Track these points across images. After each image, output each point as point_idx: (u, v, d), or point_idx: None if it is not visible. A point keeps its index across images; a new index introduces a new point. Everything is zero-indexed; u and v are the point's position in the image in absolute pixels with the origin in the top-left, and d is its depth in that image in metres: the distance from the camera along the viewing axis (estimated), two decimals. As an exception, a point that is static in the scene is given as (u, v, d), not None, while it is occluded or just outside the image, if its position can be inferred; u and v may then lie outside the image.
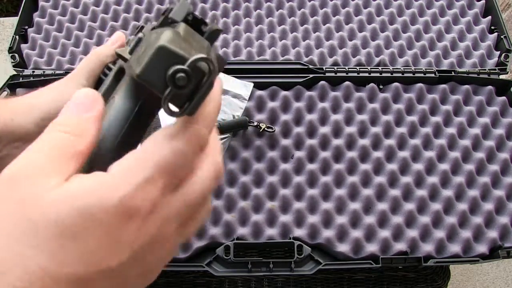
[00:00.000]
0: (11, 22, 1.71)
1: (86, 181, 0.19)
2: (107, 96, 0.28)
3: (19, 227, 0.18)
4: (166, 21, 0.27)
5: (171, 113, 0.21)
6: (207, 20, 0.28)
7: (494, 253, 0.64)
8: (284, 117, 0.73)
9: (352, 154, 0.70)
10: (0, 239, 0.18)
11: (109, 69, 0.34)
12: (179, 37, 0.22)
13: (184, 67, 0.20)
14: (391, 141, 0.72)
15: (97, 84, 0.34)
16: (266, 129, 0.71)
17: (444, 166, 0.70)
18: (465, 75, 0.77)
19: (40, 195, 0.18)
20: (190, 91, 0.21)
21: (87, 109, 0.22)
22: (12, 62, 0.78)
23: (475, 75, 0.77)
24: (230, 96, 0.73)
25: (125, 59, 0.27)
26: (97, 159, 0.23)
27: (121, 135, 0.24)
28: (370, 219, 0.66)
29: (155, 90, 0.21)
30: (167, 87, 0.21)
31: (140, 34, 0.28)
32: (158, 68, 0.21)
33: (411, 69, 0.77)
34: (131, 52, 0.27)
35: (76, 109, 0.22)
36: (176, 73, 0.20)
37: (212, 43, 0.26)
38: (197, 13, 0.85)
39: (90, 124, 0.22)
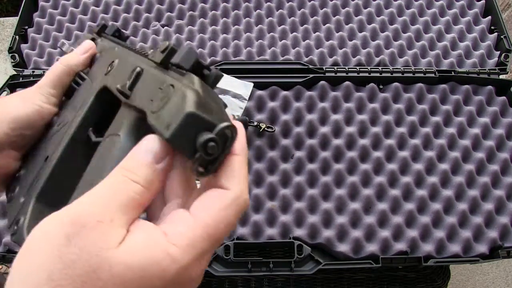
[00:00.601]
0: (11, 22, 1.71)
1: (147, 244, 0.20)
2: (91, 118, 0.32)
3: (87, 280, 0.19)
4: (167, 61, 0.27)
5: (198, 174, 0.22)
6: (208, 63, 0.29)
7: (494, 253, 0.64)
8: (284, 117, 0.73)
9: (352, 154, 0.71)
10: (65, 282, 0.19)
11: (81, 78, 0.35)
12: (201, 97, 0.23)
13: (214, 136, 0.22)
14: (391, 141, 0.72)
15: (67, 92, 0.36)
16: (266, 129, 0.71)
17: (444, 166, 0.70)
18: (465, 75, 0.77)
19: (110, 254, 0.19)
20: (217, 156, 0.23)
21: (157, 160, 0.22)
22: (12, 62, 0.78)
23: (475, 75, 0.77)
24: (230, 96, 0.73)
25: (126, 95, 0.28)
26: None
27: None
28: (370, 219, 0.66)
29: (183, 152, 0.23)
30: (196, 152, 0.22)
31: (138, 69, 0.28)
32: (187, 134, 0.22)
33: (411, 69, 0.77)
34: (131, 88, 0.28)
35: (147, 158, 0.22)
36: (207, 142, 0.22)
37: (214, 86, 0.27)
38: (197, 12, 0.85)
39: (159, 177, 0.22)
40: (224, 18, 0.85)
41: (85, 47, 0.36)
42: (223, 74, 0.30)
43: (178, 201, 0.24)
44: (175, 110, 0.23)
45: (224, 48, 0.80)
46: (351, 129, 0.72)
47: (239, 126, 0.24)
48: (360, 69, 0.77)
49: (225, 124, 0.22)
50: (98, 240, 0.19)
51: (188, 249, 0.20)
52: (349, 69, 0.76)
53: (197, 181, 0.26)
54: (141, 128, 0.27)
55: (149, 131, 0.25)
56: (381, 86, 0.77)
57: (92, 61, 0.37)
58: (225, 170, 0.23)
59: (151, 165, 0.22)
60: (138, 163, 0.22)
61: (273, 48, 0.80)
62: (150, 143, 0.23)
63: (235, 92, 0.73)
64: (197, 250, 0.21)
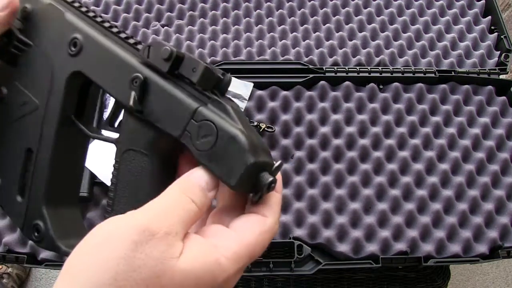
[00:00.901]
0: (11, 22, 1.71)
1: (202, 255, 0.23)
2: (70, 104, 0.31)
3: (150, 285, 0.21)
4: (174, 71, 0.27)
5: (252, 203, 0.26)
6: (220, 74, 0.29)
7: (494, 253, 0.64)
8: (284, 117, 0.73)
9: (352, 154, 0.71)
10: (128, 284, 0.21)
11: (23, 43, 0.32)
12: (249, 137, 0.25)
13: (274, 178, 0.25)
14: (391, 141, 0.72)
15: (3, 56, 0.33)
16: (266, 129, 0.71)
17: (444, 166, 0.70)
18: (465, 75, 0.77)
19: (172, 263, 0.21)
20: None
21: (209, 189, 0.25)
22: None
23: (475, 75, 0.77)
24: (230, 96, 0.73)
25: (139, 111, 0.28)
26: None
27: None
28: (370, 219, 0.66)
29: (244, 192, 0.26)
30: (258, 191, 0.25)
31: (140, 77, 0.27)
32: (249, 179, 0.25)
33: (411, 69, 0.77)
34: (140, 101, 0.27)
35: (202, 184, 0.25)
36: (270, 185, 0.25)
37: (226, 90, 0.29)
38: (197, 12, 0.85)
39: (208, 202, 0.25)
40: (224, 18, 0.85)
41: (5, 4, 0.31)
42: (230, 77, 0.30)
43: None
44: (231, 157, 0.25)
45: (224, 48, 0.80)
46: (351, 129, 0.72)
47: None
48: (360, 69, 0.77)
49: (278, 163, 0.26)
50: (164, 250, 0.21)
51: (234, 261, 0.24)
52: (349, 69, 0.76)
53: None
54: (163, 145, 0.28)
55: (171, 147, 0.27)
56: (381, 86, 0.77)
57: (25, 18, 0.32)
58: (268, 202, 0.26)
59: (205, 191, 0.25)
60: (195, 186, 0.25)
61: (273, 48, 0.80)
62: (205, 175, 0.26)
63: (235, 92, 0.73)
64: (240, 264, 0.24)
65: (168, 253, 0.21)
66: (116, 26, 0.31)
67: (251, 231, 0.25)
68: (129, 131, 0.28)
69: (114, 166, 0.29)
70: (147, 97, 0.27)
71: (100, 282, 0.20)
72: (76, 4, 0.32)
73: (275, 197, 0.27)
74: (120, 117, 0.30)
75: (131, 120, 0.28)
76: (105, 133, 0.32)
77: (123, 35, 0.30)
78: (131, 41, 0.30)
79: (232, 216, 0.27)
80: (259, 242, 0.25)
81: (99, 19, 0.31)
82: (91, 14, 0.31)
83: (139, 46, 0.29)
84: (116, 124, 0.32)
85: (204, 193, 0.25)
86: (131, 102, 0.27)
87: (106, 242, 0.21)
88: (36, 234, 0.31)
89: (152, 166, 0.28)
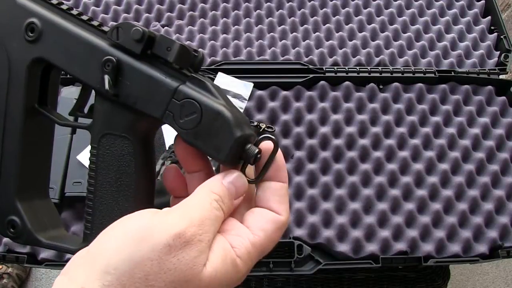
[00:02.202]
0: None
1: (223, 260, 0.24)
2: (33, 93, 0.30)
3: (177, 287, 0.22)
4: (146, 52, 0.27)
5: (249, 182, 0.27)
6: (196, 51, 0.28)
7: (494, 253, 0.64)
8: (284, 117, 0.73)
9: (352, 154, 0.71)
10: (158, 284, 0.22)
11: None
12: (232, 112, 0.26)
13: (259, 149, 0.26)
14: (391, 141, 0.72)
15: None
16: (266, 129, 0.70)
17: (444, 166, 0.70)
18: (465, 75, 0.77)
19: (200, 269, 0.22)
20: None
21: (238, 196, 0.26)
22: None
23: (475, 75, 0.77)
24: (230, 96, 0.73)
25: (115, 95, 0.27)
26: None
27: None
28: (370, 219, 0.66)
29: (232, 166, 0.26)
30: (244, 162, 0.26)
31: (112, 60, 0.27)
32: (238, 152, 0.26)
33: (411, 69, 0.77)
34: (114, 84, 0.27)
35: (232, 191, 0.26)
36: (256, 155, 0.26)
37: (200, 66, 0.28)
38: (197, 12, 0.85)
39: (232, 209, 0.26)
40: (224, 18, 0.85)
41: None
42: (204, 54, 0.30)
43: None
44: (218, 133, 0.25)
45: (224, 48, 0.80)
46: (351, 129, 0.72)
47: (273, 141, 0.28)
48: (360, 69, 0.77)
49: (265, 136, 0.27)
50: (195, 256, 0.22)
51: (248, 262, 0.25)
52: (349, 69, 0.76)
53: None
54: (142, 126, 0.28)
55: (148, 126, 0.27)
56: (381, 86, 0.77)
57: None
58: (277, 195, 0.27)
59: (232, 199, 0.26)
60: (226, 195, 0.25)
61: (273, 48, 0.80)
62: (240, 180, 0.26)
63: (235, 92, 0.73)
64: (252, 263, 0.25)
65: (199, 260, 0.22)
66: (74, 8, 0.30)
67: (265, 230, 0.26)
68: (104, 115, 0.28)
69: (91, 152, 0.28)
70: (122, 80, 0.27)
71: (132, 278, 0.21)
72: None
73: (285, 189, 0.27)
74: (90, 102, 0.30)
75: (106, 104, 0.28)
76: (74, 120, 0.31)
77: (85, 17, 0.29)
78: (95, 23, 0.29)
79: (243, 207, 0.27)
80: (272, 240, 0.26)
81: (55, 1, 0.29)
82: None
83: (104, 28, 0.28)
84: (86, 110, 0.31)
85: (232, 201, 0.26)
86: (106, 86, 0.26)
87: (142, 241, 0.22)
88: (12, 230, 0.31)
89: (134, 148, 0.28)
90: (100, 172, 0.28)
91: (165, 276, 0.22)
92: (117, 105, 0.27)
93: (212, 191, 0.25)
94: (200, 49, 0.29)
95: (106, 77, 0.26)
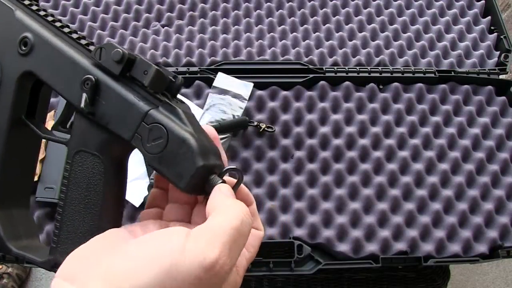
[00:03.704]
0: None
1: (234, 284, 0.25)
2: (21, 106, 0.31)
3: None
4: (125, 74, 0.27)
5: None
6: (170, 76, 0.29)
7: (494, 252, 0.64)
8: (284, 117, 0.73)
9: (352, 154, 0.71)
10: None
11: None
12: (199, 141, 0.26)
13: (223, 180, 0.26)
14: (391, 141, 0.72)
15: None
16: (266, 129, 0.71)
17: (444, 166, 0.70)
18: (465, 75, 0.77)
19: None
20: None
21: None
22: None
23: (475, 75, 0.77)
24: (230, 96, 0.73)
25: (91, 114, 0.28)
26: None
27: None
28: (370, 219, 0.66)
29: (195, 194, 0.27)
30: (207, 193, 0.26)
31: (92, 79, 0.27)
32: (199, 181, 0.26)
33: (411, 69, 0.77)
34: (92, 103, 0.27)
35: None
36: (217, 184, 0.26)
37: (178, 92, 0.29)
38: (197, 12, 0.85)
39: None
40: (224, 18, 0.85)
41: None
42: (182, 80, 0.30)
43: (158, 211, 0.30)
44: (181, 160, 0.25)
45: (224, 48, 0.80)
46: (351, 129, 0.73)
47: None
48: (360, 69, 0.77)
49: (230, 167, 0.27)
50: (221, 283, 0.22)
51: (243, 275, 0.27)
52: (349, 69, 0.77)
53: None
54: (115, 147, 0.28)
55: (122, 148, 0.28)
56: (381, 86, 0.77)
57: None
58: (256, 214, 0.30)
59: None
60: (249, 219, 0.25)
61: (273, 48, 0.80)
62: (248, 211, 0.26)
63: (235, 92, 0.73)
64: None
65: (222, 285, 0.23)
66: (68, 26, 0.30)
67: (255, 247, 0.29)
68: (81, 133, 0.28)
69: (65, 167, 0.29)
70: (99, 99, 0.27)
71: None
72: (27, 2, 0.31)
73: (255, 208, 0.30)
74: (72, 118, 0.30)
75: (83, 122, 0.28)
76: (58, 134, 0.32)
77: (75, 36, 0.30)
78: (83, 42, 0.30)
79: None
80: (256, 253, 0.29)
81: (50, 18, 0.30)
82: (42, 13, 0.31)
83: (92, 48, 0.29)
84: (68, 125, 0.32)
85: (249, 212, 0.26)
86: (82, 104, 0.27)
87: (173, 271, 0.21)
88: None
89: (104, 167, 0.28)
90: (70, 188, 0.28)
91: None
92: (92, 123, 0.28)
93: (238, 217, 0.24)
94: (180, 77, 0.29)
95: (84, 95, 0.27)
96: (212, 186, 0.25)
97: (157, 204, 0.30)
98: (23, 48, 0.29)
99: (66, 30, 0.30)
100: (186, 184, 0.25)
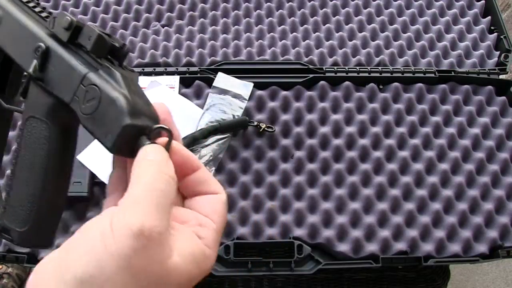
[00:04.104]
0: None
1: (191, 250, 0.23)
2: None
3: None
4: (74, 41, 0.28)
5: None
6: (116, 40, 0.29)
7: (494, 252, 0.64)
8: (284, 117, 0.73)
9: (352, 154, 0.71)
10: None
11: None
12: (130, 102, 0.25)
13: (152, 141, 0.25)
14: (391, 141, 0.72)
15: None
16: (266, 129, 0.71)
17: (444, 166, 0.70)
18: (465, 75, 0.77)
19: (169, 262, 0.22)
20: None
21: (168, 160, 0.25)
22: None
23: (475, 75, 0.77)
24: (230, 96, 0.73)
25: (40, 79, 0.29)
26: None
27: None
28: (370, 219, 0.66)
29: (123, 155, 0.26)
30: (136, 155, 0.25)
31: (42, 46, 0.28)
32: (126, 142, 0.25)
33: (411, 69, 0.77)
34: (41, 70, 0.28)
35: (167, 161, 0.25)
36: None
37: (124, 60, 0.29)
38: (197, 12, 0.85)
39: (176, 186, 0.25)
40: (224, 18, 0.85)
41: None
42: (130, 47, 0.30)
43: (118, 194, 0.27)
44: (109, 119, 0.25)
45: (224, 48, 0.80)
46: (351, 129, 0.73)
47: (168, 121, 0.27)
48: (360, 69, 0.77)
49: (158, 126, 0.25)
50: (161, 251, 0.21)
51: (216, 248, 0.25)
52: (349, 69, 0.77)
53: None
54: (62, 113, 0.29)
55: (69, 115, 0.28)
56: (381, 86, 0.77)
57: None
58: (206, 179, 0.27)
59: (171, 163, 0.25)
60: (168, 163, 0.24)
61: (273, 48, 0.80)
62: (157, 147, 0.25)
63: (235, 92, 0.73)
64: (218, 247, 0.25)
65: (165, 254, 0.21)
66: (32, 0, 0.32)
67: (219, 214, 0.26)
68: (32, 99, 0.29)
69: (17, 133, 0.31)
70: (48, 65, 0.28)
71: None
72: None
73: (206, 170, 0.27)
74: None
75: (34, 88, 0.29)
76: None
77: (37, 9, 0.31)
78: (44, 14, 0.31)
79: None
80: (225, 220, 0.26)
81: None
82: None
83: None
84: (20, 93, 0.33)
85: (172, 166, 0.24)
86: (30, 70, 0.28)
87: (107, 251, 0.20)
88: None
89: (50, 133, 0.29)
90: (20, 153, 0.30)
91: (140, 282, 0.21)
92: (42, 90, 0.29)
93: (158, 168, 0.23)
94: (127, 45, 0.30)
95: (34, 62, 0.28)
96: (140, 147, 0.25)
97: (117, 189, 0.28)
98: None
99: (31, 4, 0.31)
100: (112, 143, 0.25)
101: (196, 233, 0.24)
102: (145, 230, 0.21)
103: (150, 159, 0.24)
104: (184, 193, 0.28)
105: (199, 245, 0.24)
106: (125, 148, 0.25)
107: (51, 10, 0.77)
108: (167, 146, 0.25)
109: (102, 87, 0.26)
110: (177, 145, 0.26)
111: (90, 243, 0.21)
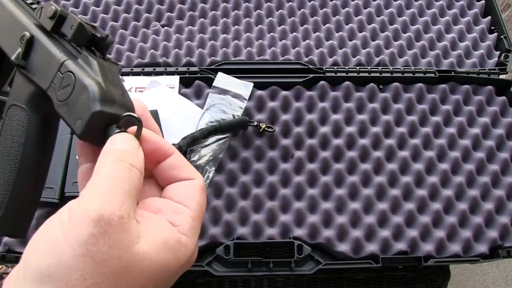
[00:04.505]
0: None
1: (164, 238, 0.22)
2: None
3: (119, 276, 0.20)
4: (57, 30, 0.28)
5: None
6: (98, 34, 0.29)
7: (494, 252, 0.64)
8: (284, 117, 0.73)
9: (352, 154, 0.71)
10: (99, 280, 0.20)
11: None
12: (103, 89, 0.25)
13: (121, 130, 0.25)
14: (391, 141, 0.72)
15: None
16: (266, 129, 0.71)
17: (444, 166, 0.70)
18: (465, 75, 0.77)
19: (136, 249, 0.21)
20: None
21: (137, 148, 0.25)
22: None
23: (475, 75, 0.77)
24: (230, 96, 0.73)
25: (22, 67, 0.29)
26: None
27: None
28: (370, 219, 0.66)
29: (92, 143, 0.26)
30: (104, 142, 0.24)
31: (27, 35, 0.29)
32: (96, 129, 0.25)
33: (411, 69, 0.77)
34: (24, 57, 0.29)
35: (136, 145, 0.24)
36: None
37: (106, 51, 0.30)
38: (197, 12, 0.85)
39: (143, 163, 0.24)
40: (224, 18, 0.85)
41: None
42: (113, 40, 0.31)
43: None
44: (81, 106, 0.25)
45: (224, 48, 0.80)
46: (351, 129, 0.72)
47: (141, 107, 0.27)
48: (360, 69, 0.77)
49: (126, 113, 0.25)
50: (124, 237, 0.20)
51: (193, 236, 0.24)
52: (349, 69, 0.77)
53: None
54: (42, 102, 0.29)
55: (49, 104, 0.27)
56: (381, 86, 0.77)
57: None
58: (181, 165, 0.26)
59: (139, 151, 0.24)
60: (132, 151, 0.24)
61: (273, 48, 0.80)
62: (125, 136, 0.25)
63: (235, 92, 0.73)
64: (197, 235, 0.24)
65: (128, 239, 0.20)
66: None
67: (195, 200, 0.25)
68: (15, 87, 0.30)
69: (1, 121, 0.31)
70: (31, 54, 0.29)
71: (69, 282, 0.19)
72: None
73: (180, 156, 0.27)
74: None
75: (18, 77, 0.30)
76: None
77: (29, 1, 0.32)
78: (34, 6, 0.31)
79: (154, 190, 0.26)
80: (203, 205, 0.26)
81: None
82: None
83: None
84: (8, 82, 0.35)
85: (140, 154, 0.24)
86: (13, 57, 0.29)
87: (66, 239, 0.20)
88: None
89: (28, 120, 0.29)
90: (1, 140, 0.30)
91: (103, 269, 0.20)
92: (24, 78, 0.29)
93: (112, 153, 0.23)
94: (110, 36, 0.30)
95: (18, 50, 0.29)
96: (108, 135, 0.25)
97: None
98: None
99: None
100: (81, 130, 0.24)
101: (171, 221, 0.23)
102: (104, 215, 0.20)
103: (113, 148, 0.23)
104: (160, 182, 0.27)
105: (173, 233, 0.23)
106: (95, 135, 0.25)
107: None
108: (137, 134, 0.25)
109: (77, 74, 0.26)
110: (148, 133, 0.26)
111: (50, 236, 0.20)
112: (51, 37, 0.29)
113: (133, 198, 0.22)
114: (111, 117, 0.25)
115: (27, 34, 0.29)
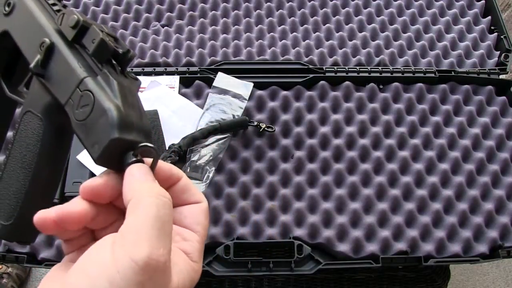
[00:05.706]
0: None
1: (186, 270, 0.24)
2: None
3: None
4: (78, 40, 0.27)
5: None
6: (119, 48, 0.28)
7: (494, 252, 0.64)
8: (284, 117, 0.73)
9: (352, 154, 0.71)
10: None
11: None
12: (122, 114, 0.25)
13: (137, 159, 0.24)
14: (391, 141, 0.72)
15: None
16: (266, 129, 0.71)
17: (444, 166, 0.70)
18: (465, 75, 0.77)
19: None
20: None
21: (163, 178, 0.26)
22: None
23: (475, 75, 0.77)
24: (230, 96, 0.73)
25: (41, 75, 0.28)
26: None
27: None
28: (370, 219, 0.66)
29: (109, 168, 0.25)
30: (123, 169, 0.24)
31: (47, 42, 0.28)
32: (113, 155, 0.24)
33: (411, 69, 0.77)
34: (43, 65, 0.28)
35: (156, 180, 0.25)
36: (132, 163, 0.24)
37: (127, 66, 0.29)
38: (197, 12, 0.85)
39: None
40: (224, 18, 0.85)
41: None
42: (135, 54, 0.30)
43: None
44: (99, 129, 0.24)
45: (224, 48, 0.80)
46: (351, 129, 0.72)
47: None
48: (360, 69, 0.77)
49: (143, 144, 0.25)
50: (166, 279, 0.22)
51: (201, 259, 0.25)
52: (349, 69, 0.76)
53: None
54: (58, 113, 0.28)
55: (65, 116, 0.27)
56: (381, 86, 0.77)
57: None
58: (188, 189, 0.27)
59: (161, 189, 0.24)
60: (167, 201, 0.24)
61: (273, 48, 0.80)
62: (145, 167, 0.25)
63: (235, 92, 0.73)
64: (202, 256, 0.26)
65: (168, 279, 0.22)
66: None
67: (202, 224, 0.26)
68: (32, 94, 0.29)
69: (15, 125, 0.30)
70: (50, 62, 0.28)
71: None
72: None
73: (188, 180, 0.27)
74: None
75: (35, 83, 0.29)
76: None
77: (51, 1, 0.31)
78: (56, 7, 0.30)
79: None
80: (207, 227, 0.27)
81: None
82: None
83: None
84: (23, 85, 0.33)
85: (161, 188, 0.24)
86: (32, 65, 0.28)
87: (113, 285, 0.20)
88: None
89: (44, 130, 0.29)
90: (14, 146, 0.29)
91: None
92: (41, 86, 0.29)
93: (152, 192, 0.23)
94: (132, 51, 0.29)
95: (37, 57, 0.28)
96: (125, 163, 0.24)
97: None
98: (6, 8, 0.31)
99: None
100: (98, 155, 0.24)
101: (183, 250, 0.24)
102: (151, 263, 0.20)
103: (142, 184, 0.23)
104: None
105: (189, 262, 0.24)
106: (111, 161, 0.25)
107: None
108: (153, 165, 0.25)
109: (97, 95, 0.25)
110: (159, 162, 0.26)
111: (93, 283, 0.20)
112: (71, 47, 0.28)
113: (171, 235, 0.23)
114: (129, 144, 0.25)
115: (47, 41, 0.28)
